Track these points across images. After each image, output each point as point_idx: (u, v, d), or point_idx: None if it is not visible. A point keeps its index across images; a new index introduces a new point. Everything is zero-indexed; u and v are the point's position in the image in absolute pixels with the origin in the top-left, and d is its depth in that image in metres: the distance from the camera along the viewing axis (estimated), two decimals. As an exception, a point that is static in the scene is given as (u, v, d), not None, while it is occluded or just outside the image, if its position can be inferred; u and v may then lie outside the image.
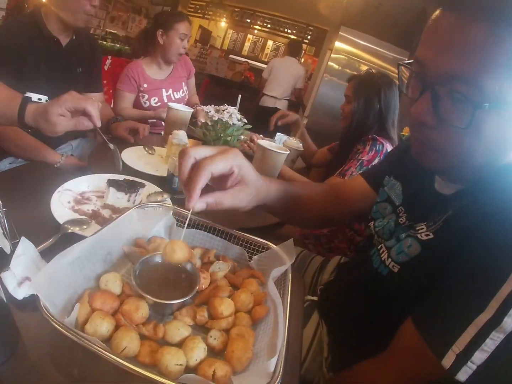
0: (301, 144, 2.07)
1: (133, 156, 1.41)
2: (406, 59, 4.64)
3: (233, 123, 1.41)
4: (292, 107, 5.29)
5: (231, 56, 8.13)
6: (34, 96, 1.14)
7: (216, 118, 1.41)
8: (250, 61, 7.72)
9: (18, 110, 0.96)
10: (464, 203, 0.68)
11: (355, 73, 4.71)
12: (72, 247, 0.62)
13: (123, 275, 0.73)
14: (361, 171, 1.50)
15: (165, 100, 2.30)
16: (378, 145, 1.65)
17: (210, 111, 1.44)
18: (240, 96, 1.60)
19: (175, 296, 0.64)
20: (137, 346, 0.56)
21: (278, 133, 2.59)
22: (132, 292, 0.66)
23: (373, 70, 1.95)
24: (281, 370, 0.52)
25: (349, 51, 4.66)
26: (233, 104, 1.54)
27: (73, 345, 0.49)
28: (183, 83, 2.48)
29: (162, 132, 2.02)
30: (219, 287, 0.73)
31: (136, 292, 0.65)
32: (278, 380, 0.51)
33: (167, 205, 0.85)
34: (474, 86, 0.55)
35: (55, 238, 0.81)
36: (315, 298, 1.15)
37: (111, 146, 1.16)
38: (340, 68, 4.74)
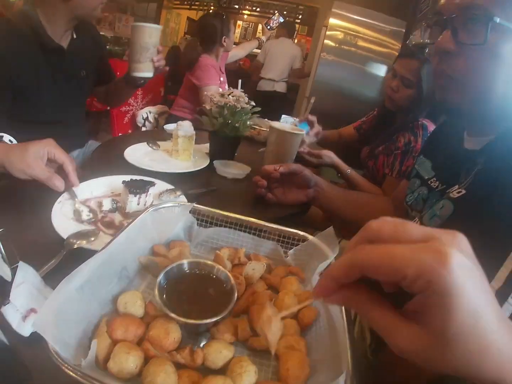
0: (308, 127, 1.96)
1: (136, 154, 1.30)
2: (404, 30, 4.51)
3: (241, 107, 1.29)
4: (291, 88, 5.17)
5: (223, 43, 7.95)
6: (6, 137, 0.97)
7: (222, 104, 1.29)
8: (242, 48, 7.55)
9: None
10: (493, 154, 0.69)
11: (352, 49, 4.58)
12: (79, 268, 0.51)
13: (143, 291, 0.62)
14: None
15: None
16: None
17: (214, 97, 1.31)
18: (241, 80, 1.47)
19: (210, 313, 0.53)
20: (174, 380, 0.45)
21: (283, 115, 2.48)
22: (157, 311, 0.55)
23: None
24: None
25: (345, 26, 4.50)
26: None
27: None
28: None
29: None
30: (257, 292, 0.63)
31: (162, 312, 0.55)
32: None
33: (184, 203, 0.73)
34: (482, 9, 0.63)
35: (59, 257, 0.70)
36: None
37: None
38: (337, 45, 4.59)
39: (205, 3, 7.71)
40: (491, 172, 0.67)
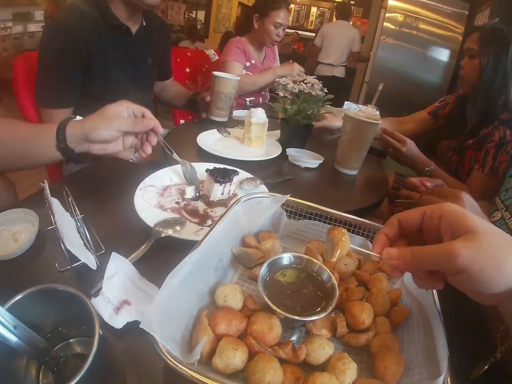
0: (377, 112, 1.87)
1: (208, 141, 1.31)
2: (467, 12, 4.21)
3: (316, 94, 1.26)
4: (348, 73, 5.01)
5: (276, 29, 7.84)
6: (78, 118, 0.88)
7: (296, 90, 1.26)
8: (297, 31, 7.42)
9: (56, 134, 0.80)
10: None
11: (413, 31, 4.35)
12: (183, 262, 0.50)
13: (236, 282, 0.62)
14: None
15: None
16: None
17: (288, 84, 1.29)
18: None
19: (311, 309, 0.52)
20: (281, 376, 0.45)
21: (346, 102, 2.39)
22: (257, 305, 0.55)
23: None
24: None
25: (405, 8, 4.31)
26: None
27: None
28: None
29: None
30: (351, 289, 0.61)
31: (263, 306, 0.54)
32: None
33: (277, 195, 0.72)
34: None
35: (147, 245, 0.70)
36: None
37: (183, 162, 0.99)
38: (397, 28, 4.41)
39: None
40: None
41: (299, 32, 7.62)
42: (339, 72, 4.76)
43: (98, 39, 1.27)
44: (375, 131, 1.24)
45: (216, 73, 1.56)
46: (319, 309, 0.52)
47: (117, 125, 0.80)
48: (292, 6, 8.13)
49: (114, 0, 1.29)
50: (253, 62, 2.26)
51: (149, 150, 0.85)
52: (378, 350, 0.51)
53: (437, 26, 4.30)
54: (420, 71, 4.43)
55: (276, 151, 1.29)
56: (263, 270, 0.54)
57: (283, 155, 1.28)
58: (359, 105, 2.12)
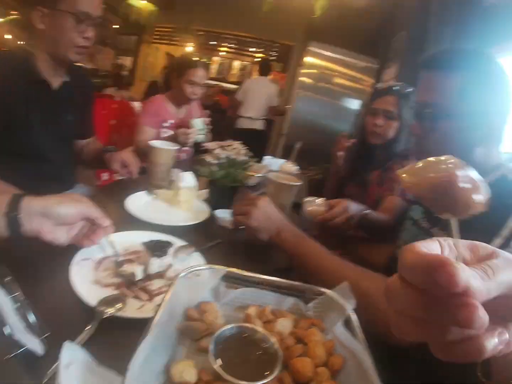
0: (297, 167, 2.03)
1: (137, 204, 1.31)
2: (376, 66, 4.68)
3: (241, 159, 1.35)
4: (267, 126, 5.30)
5: (197, 80, 8.05)
6: None
7: (223, 156, 1.35)
8: (220, 83, 7.71)
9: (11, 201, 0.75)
10: None
11: (328, 85, 4.77)
12: (141, 347, 0.53)
13: (186, 357, 0.65)
14: None
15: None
16: None
17: (215, 149, 1.37)
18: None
19: (261, 373, 0.58)
20: None
21: (265, 157, 2.51)
22: (210, 376, 0.58)
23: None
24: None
25: (320, 65, 4.73)
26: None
27: None
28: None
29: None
30: (291, 348, 0.67)
31: (216, 377, 0.58)
32: None
33: (217, 267, 0.77)
34: None
35: (93, 326, 0.70)
36: None
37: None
38: (313, 82, 4.80)
39: (184, 39, 7.87)
40: None
41: (222, 84, 7.90)
42: (259, 125, 5.01)
43: (18, 93, 1.27)
44: (295, 191, 1.36)
45: (152, 143, 1.58)
46: (268, 372, 0.57)
47: (83, 206, 0.81)
48: (215, 58, 8.45)
49: (40, 55, 1.30)
50: (170, 121, 2.32)
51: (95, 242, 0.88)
52: None
53: (349, 80, 4.77)
54: (334, 121, 4.81)
55: (205, 213, 1.34)
56: (211, 346, 0.59)
57: (212, 217, 1.34)
58: (281, 160, 2.25)
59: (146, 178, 1.60)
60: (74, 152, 1.70)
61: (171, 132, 2.25)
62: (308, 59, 4.73)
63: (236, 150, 1.36)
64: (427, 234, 1.02)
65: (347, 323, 0.71)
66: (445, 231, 0.75)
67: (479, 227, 0.61)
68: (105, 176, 2.35)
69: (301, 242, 1.01)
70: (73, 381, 0.55)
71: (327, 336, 0.72)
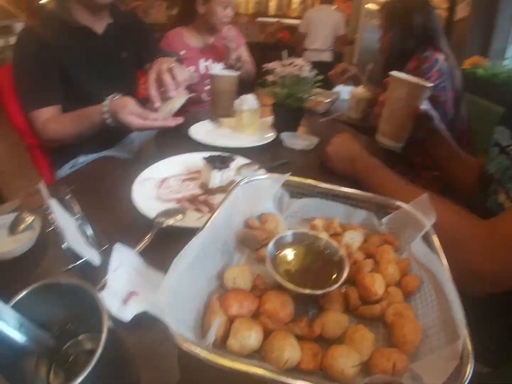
0: (368, 92, 1.87)
1: (201, 132, 1.30)
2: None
3: (305, 76, 1.24)
4: (335, 58, 4.93)
5: (258, 19, 7.74)
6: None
7: (285, 74, 1.24)
8: (280, 20, 7.36)
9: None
10: None
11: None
12: (188, 246, 0.49)
13: (244, 265, 0.61)
14: None
15: (202, 71, 2.10)
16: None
17: (276, 68, 1.27)
18: (286, 51, 1.41)
19: (322, 283, 0.51)
20: (299, 352, 0.44)
21: (337, 86, 2.39)
22: (267, 284, 0.54)
23: None
24: (471, 346, 0.41)
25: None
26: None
27: (214, 368, 0.38)
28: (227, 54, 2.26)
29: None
30: (360, 262, 0.60)
31: (273, 285, 0.53)
32: (471, 359, 0.40)
33: (277, 175, 0.71)
34: None
35: (150, 237, 0.70)
36: None
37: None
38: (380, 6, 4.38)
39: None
40: None
41: (283, 20, 7.54)
42: (327, 57, 4.71)
43: (65, 43, 1.29)
44: (428, 94, 1.11)
45: (213, 72, 1.51)
46: (330, 282, 0.51)
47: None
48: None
49: (74, 6, 1.31)
50: (183, 52, 2.10)
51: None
52: (394, 319, 0.50)
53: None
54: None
55: (270, 136, 1.29)
56: (270, 247, 0.54)
57: (277, 140, 1.27)
58: (354, 87, 2.11)
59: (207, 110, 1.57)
60: (136, 85, 1.70)
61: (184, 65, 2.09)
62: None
63: (299, 67, 1.25)
64: None
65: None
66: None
67: None
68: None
69: (375, 172, 0.94)
70: (120, 282, 0.56)
71: (402, 255, 0.65)
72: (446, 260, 0.55)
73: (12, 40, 5.76)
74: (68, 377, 0.40)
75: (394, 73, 1.09)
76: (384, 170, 0.94)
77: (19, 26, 5.94)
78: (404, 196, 0.71)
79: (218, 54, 2.17)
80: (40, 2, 6.04)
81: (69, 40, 1.30)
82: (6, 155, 3.84)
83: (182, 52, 2.05)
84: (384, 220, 0.70)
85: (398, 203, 0.69)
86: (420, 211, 0.64)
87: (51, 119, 1.22)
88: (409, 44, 1.62)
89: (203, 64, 2.13)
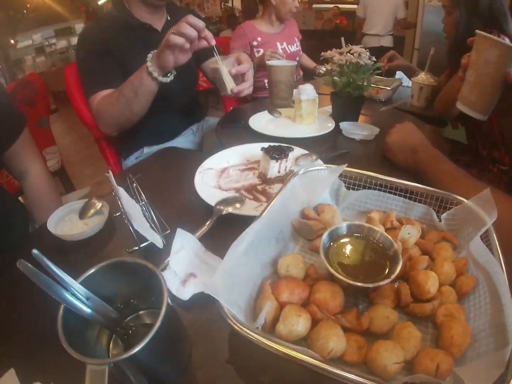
0: (432, 80, 1.79)
1: (260, 122, 1.32)
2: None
3: (364, 63, 1.22)
4: (396, 42, 4.68)
5: (315, 5, 7.54)
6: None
7: (343, 61, 1.23)
8: (336, 5, 7.13)
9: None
10: None
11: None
12: (245, 232, 0.52)
13: (297, 253, 0.63)
14: None
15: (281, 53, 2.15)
16: None
17: (334, 56, 1.26)
18: (343, 38, 1.37)
19: (374, 276, 0.51)
20: (344, 343, 0.45)
21: (398, 72, 2.31)
22: (319, 274, 0.55)
23: None
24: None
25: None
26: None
27: (261, 350, 0.40)
28: (295, 38, 2.52)
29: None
30: (415, 258, 0.59)
31: (325, 275, 0.54)
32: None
33: (334, 166, 0.71)
34: None
35: (211, 222, 0.74)
36: None
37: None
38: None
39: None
40: None
41: (339, 5, 7.30)
42: (387, 42, 4.47)
43: (126, 41, 1.35)
44: None
45: (270, 62, 1.53)
46: (382, 276, 0.51)
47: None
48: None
49: (134, 4, 1.38)
50: (259, 39, 2.33)
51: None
52: (444, 320, 0.50)
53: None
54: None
55: (329, 126, 1.27)
56: (324, 238, 0.55)
57: (337, 130, 1.26)
58: (422, 73, 2.03)
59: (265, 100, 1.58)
60: (196, 79, 1.75)
61: (262, 50, 2.28)
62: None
63: (357, 54, 1.22)
64: None
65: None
66: None
67: None
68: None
69: (436, 164, 0.90)
70: (180, 264, 0.60)
71: (460, 254, 0.62)
72: (503, 261, 0.53)
73: (74, 40, 6.16)
74: (126, 348, 0.44)
75: (482, 32, 0.96)
76: (446, 162, 0.89)
77: (78, 27, 6.34)
78: (466, 190, 0.68)
79: (290, 37, 2.46)
80: (99, 2, 6.36)
81: (130, 37, 1.36)
82: (74, 146, 4.14)
83: (258, 38, 2.32)
84: (443, 216, 0.68)
85: (459, 198, 0.67)
86: (482, 207, 0.62)
87: (105, 97, 1.28)
88: (474, 26, 1.51)
89: (279, 47, 2.37)
